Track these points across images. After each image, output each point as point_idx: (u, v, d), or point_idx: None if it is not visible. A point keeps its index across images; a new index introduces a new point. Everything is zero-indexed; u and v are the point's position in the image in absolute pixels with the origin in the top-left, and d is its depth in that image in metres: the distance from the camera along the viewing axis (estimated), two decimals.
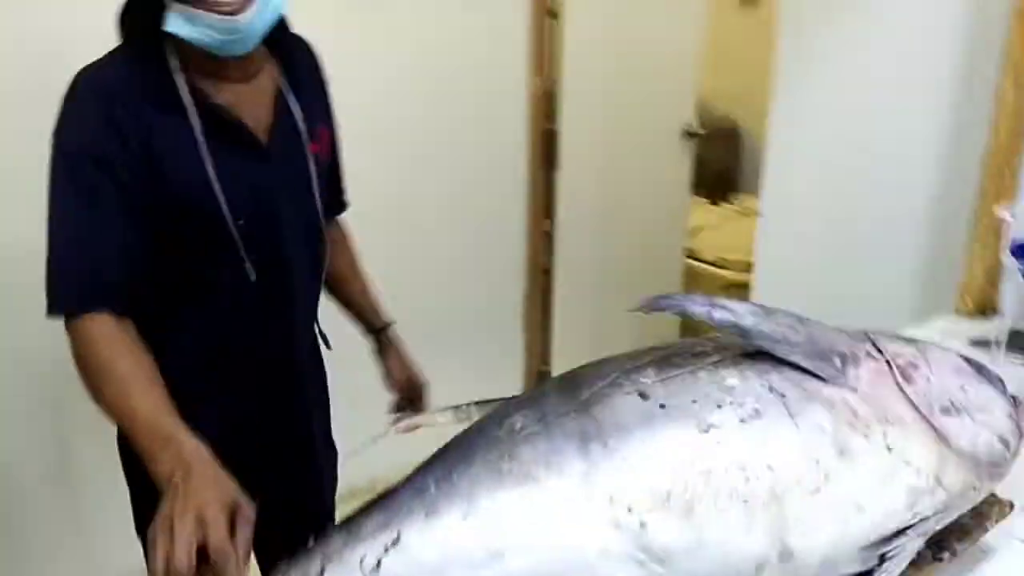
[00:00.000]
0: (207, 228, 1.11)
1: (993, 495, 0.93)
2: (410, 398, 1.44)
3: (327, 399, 1.43)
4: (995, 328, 1.37)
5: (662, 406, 0.80)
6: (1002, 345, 1.33)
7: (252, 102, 1.14)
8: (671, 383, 0.82)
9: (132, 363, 1.00)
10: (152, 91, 1.06)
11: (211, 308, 1.17)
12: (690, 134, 3.07)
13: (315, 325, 1.35)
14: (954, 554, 0.87)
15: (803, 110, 1.95)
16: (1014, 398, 0.93)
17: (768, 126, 2.05)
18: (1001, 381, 0.93)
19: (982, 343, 1.39)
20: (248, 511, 0.86)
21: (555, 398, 0.84)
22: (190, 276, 1.15)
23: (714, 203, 3.99)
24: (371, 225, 1.48)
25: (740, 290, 2.85)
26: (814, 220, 1.97)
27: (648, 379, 0.83)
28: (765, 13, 3.66)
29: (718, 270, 3.39)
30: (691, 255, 3.43)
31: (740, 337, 0.85)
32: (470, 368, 1.29)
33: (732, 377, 0.82)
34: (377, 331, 1.45)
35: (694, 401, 0.80)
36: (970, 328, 1.49)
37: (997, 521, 0.93)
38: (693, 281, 3.36)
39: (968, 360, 0.95)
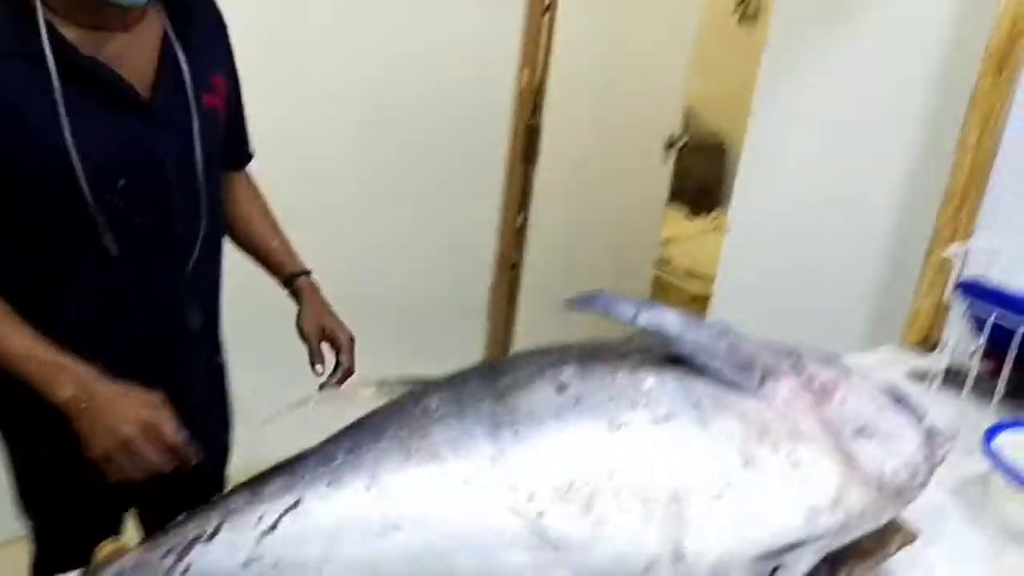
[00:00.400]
0: (67, 194, 0.99)
1: (898, 522, 0.95)
2: (331, 350, 1.28)
3: (222, 370, 1.35)
4: (933, 362, 1.40)
5: (577, 400, 0.81)
6: (937, 379, 1.36)
7: (134, 53, 1.03)
8: (590, 379, 0.83)
9: None
10: (13, 43, 0.95)
11: (85, 281, 1.07)
12: (673, 144, 3.08)
13: (217, 296, 1.27)
14: (849, 574, 0.89)
15: (779, 131, 1.97)
16: (930, 430, 0.94)
17: (744, 143, 2.07)
18: (919, 413, 0.95)
19: (920, 376, 1.42)
20: (162, 398, 0.95)
21: (474, 383, 0.84)
22: (61, 246, 1.05)
23: (692, 215, 4.01)
24: (343, 205, 1.46)
25: (705, 302, 2.87)
26: (778, 239, 1.99)
27: (568, 373, 0.84)
28: (762, 32, 3.68)
29: (686, 281, 3.41)
30: (661, 264, 3.45)
31: (664, 342, 0.86)
32: (430, 356, 1.27)
33: (650, 379, 0.83)
34: (290, 278, 1.32)
35: (610, 399, 0.81)
36: (912, 360, 1.52)
37: (899, 548, 0.95)
38: (661, 290, 3.39)
39: (889, 389, 0.96)
